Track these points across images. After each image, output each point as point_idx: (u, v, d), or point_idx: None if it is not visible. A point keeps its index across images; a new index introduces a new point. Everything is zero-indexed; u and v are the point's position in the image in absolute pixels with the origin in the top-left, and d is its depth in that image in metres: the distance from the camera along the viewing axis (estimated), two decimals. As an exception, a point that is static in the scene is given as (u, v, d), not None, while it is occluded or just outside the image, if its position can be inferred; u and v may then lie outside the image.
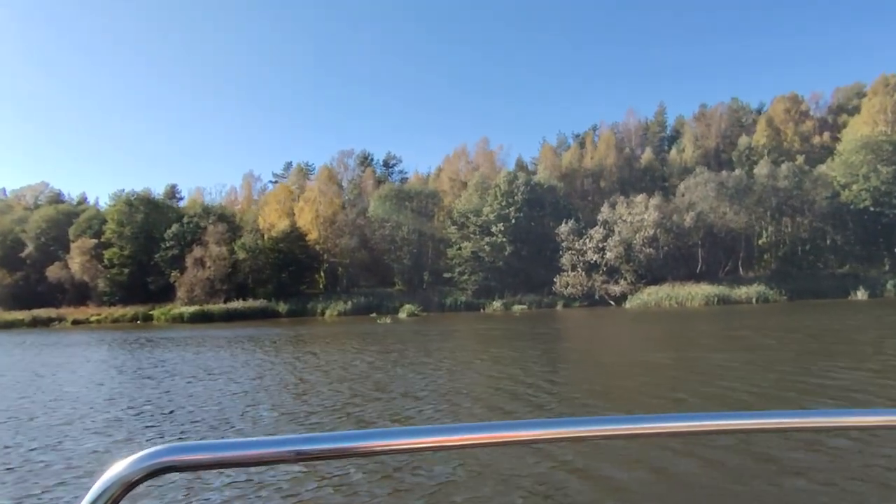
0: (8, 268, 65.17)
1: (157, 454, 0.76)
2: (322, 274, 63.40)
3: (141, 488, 0.76)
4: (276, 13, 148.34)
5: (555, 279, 49.75)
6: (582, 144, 69.57)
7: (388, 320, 35.99)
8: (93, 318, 53.83)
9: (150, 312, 53.77)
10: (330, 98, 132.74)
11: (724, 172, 50.89)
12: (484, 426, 0.94)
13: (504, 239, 52.12)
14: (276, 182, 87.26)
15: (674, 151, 64.71)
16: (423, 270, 59.60)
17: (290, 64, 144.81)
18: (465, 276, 53.68)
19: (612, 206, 50.23)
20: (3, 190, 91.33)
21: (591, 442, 5.88)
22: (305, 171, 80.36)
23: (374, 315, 47.40)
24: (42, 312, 54.36)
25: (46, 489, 6.02)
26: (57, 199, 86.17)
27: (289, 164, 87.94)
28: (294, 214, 61.18)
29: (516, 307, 47.21)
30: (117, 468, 0.75)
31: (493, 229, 52.79)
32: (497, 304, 48.04)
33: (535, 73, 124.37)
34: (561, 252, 50.71)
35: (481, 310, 48.09)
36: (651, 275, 46.81)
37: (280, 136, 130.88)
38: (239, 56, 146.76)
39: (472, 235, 54.14)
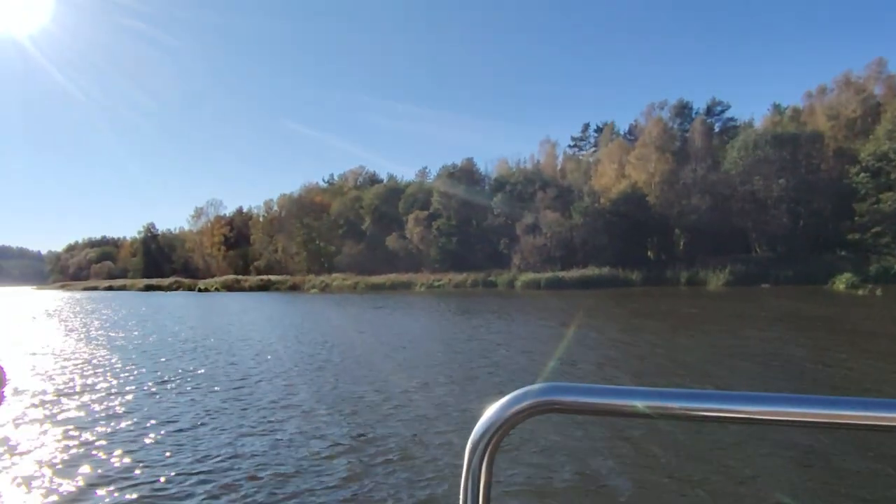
0: (353, 239, 73.38)
1: (544, 391, 0.73)
2: (654, 238, 55.89)
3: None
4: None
5: None
6: None
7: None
8: (436, 284, 55.84)
9: (490, 279, 53.37)
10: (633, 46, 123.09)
11: None
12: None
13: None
14: (574, 146, 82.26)
15: None
16: (801, 232, 47.11)
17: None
18: (887, 239, 39.87)
19: None
20: (332, 175, 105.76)
21: None
22: (612, 130, 73.13)
23: (765, 287, 37.81)
24: (396, 278, 58.92)
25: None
26: (373, 178, 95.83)
27: (586, 126, 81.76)
28: (628, 175, 54.51)
29: None
30: (505, 402, 0.73)
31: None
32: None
33: None
34: None
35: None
36: None
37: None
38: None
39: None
